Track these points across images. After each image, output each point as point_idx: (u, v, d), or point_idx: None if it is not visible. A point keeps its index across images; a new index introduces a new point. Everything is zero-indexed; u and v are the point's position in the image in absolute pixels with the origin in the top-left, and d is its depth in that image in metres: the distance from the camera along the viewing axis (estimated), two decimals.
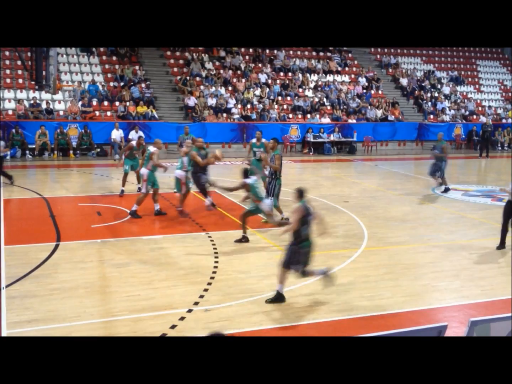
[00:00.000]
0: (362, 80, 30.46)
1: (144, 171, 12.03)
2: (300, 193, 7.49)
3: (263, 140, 13.59)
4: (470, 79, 34.54)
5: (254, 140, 13.80)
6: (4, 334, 6.32)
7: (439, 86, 32.47)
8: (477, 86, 34.15)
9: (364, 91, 29.84)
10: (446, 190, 15.85)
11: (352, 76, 30.98)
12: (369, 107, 28.44)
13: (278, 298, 7.48)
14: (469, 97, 32.62)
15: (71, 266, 8.76)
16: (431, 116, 29.85)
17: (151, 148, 12.18)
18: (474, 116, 31.01)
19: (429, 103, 30.59)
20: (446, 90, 32.28)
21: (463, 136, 29.43)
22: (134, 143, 14.50)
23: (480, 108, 32.24)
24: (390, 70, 32.59)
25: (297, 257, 7.37)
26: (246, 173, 10.38)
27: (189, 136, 15.19)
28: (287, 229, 7.64)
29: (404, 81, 31.58)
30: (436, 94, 31.58)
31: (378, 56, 33.45)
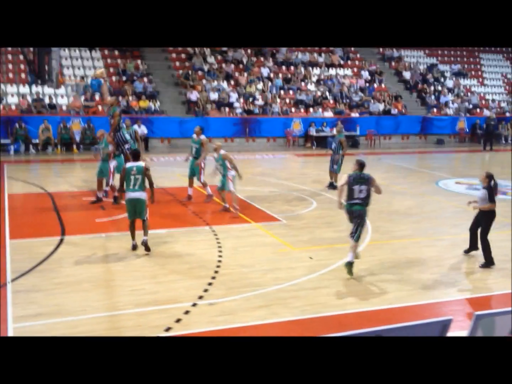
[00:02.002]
0: (365, 74, 30.36)
1: None
2: None
3: (202, 136, 13.04)
4: (473, 73, 34.41)
5: (194, 136, 13.16)
6: (10, 328, 6.36)
7: (442, 80, 32.36)
8: (480, 80, 34.02)
9: (367, 84, 29.75)
10: (332, 186, 14.93)
11: (355, 69, 30.88)
12: (372, 101, 28.37)
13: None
14: (473, 91, 32.52)
15: (75, 260, 8.78)
16: (435, 110, 29.75)
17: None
18: (478, 110, 30.91)
19: (433, 97, 30.49)
20: (450, 83, 32.17)
21: (467, 130, 29.36)
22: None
23: (483, 102, 32.13)
24: (393, 64, 32.49)
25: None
26: None
27: (131, 130, 14.15)
28: None
29: (407, 75, 31.48)
30: (440, 88, 31.47)
31: (381, 50, 33.32)
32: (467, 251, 9.53)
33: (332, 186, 15.02)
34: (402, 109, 28.53)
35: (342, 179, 8.52)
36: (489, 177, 9.04)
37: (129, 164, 9.39)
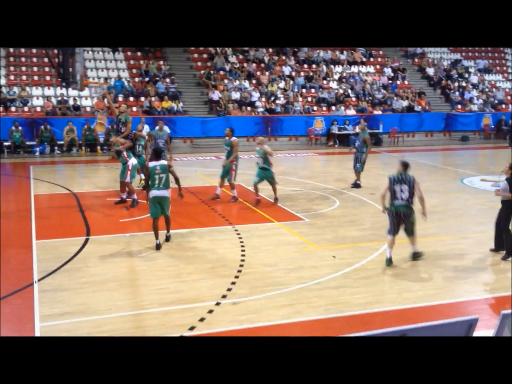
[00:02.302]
0: (388, 71, 30.07)
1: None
2: None
3: (233, 138, 12.92)
4: (498, 68, 33.82)
5: (226, 138, 13.11)
6: (37, 327, 6.48)
7: (466, 75, 31.87)
8: (505, 75, 33.41)
9: (390, 81, 29.47)
10: (356, 185, 14.92)
11: (377, 66, 30.61)
12: (395, 98, 28.08)
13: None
14: (498, 86, 31.96)
15: (101, 260, 8.90)
16: (459, 106, 29.33)
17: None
18: (503, 105, 30.37)
19: (457, 93, 30.05)
20: (474, 79, 31.66)
21: (492, 126, 28.87)
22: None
23: (509, 97, 31.55)
24: (416, 60, 32.11)
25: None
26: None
27: (164, 133, 14.54)
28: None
29: (430, 71, 31.08)
30: (464, 84, 31.00)
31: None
32: (494, 250, 9.40)
33: (355, 185, 14.94)
34: (425, 106, 28.18)
35: (383, 184, 8.80)
36: None
37: (152, 164, 9.49)
